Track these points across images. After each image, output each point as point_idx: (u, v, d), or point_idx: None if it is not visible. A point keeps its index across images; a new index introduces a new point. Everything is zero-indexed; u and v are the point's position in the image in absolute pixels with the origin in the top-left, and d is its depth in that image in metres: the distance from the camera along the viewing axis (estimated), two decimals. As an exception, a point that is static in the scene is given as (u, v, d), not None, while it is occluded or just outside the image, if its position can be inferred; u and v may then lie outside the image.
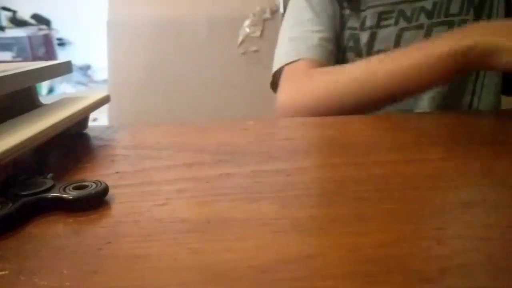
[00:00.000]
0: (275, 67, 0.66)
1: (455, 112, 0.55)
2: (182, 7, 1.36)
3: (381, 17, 0.65)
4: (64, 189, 0.27)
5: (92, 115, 0.43)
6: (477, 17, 0.63)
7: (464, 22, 0.62)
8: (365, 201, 0.26)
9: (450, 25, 0.63)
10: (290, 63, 0.63)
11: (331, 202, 0.27)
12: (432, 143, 0.38)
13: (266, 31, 1.30)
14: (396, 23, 0.64)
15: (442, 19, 0.63)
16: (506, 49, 0.43)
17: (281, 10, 1.28)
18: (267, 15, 1.30)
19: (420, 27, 0.63)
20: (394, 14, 0.64)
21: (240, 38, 1.31)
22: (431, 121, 0.46)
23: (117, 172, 0.32)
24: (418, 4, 0.63)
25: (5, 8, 3.64)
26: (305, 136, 0.43)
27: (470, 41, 0.45)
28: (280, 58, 0.66)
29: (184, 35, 1.35)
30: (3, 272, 0.20)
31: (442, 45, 0.47)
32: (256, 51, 1.30)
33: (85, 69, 3.77)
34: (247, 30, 1.31)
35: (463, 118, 0.47)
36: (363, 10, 0.65)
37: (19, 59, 3.44)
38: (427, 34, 0.63)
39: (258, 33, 1.30)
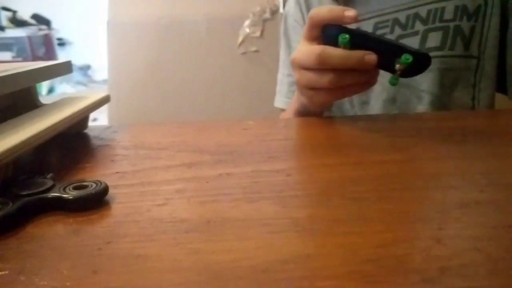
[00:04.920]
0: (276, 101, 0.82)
1: (454, 112, 0.55)
2: (182, 7, 1.36)
3: (376, 26, 0.67)
4: (64, 189, 0.27)
5: (92, 115, 0.43)
6: (470, 22, 0.64)
7: (457, 27, 0.64)
8: (365, 201, 0.26)
9: (445, 30, 0.64)
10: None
11: (330, 202, 0.27)
12: (431, 143, 0.38)
13: (266, 31, 1.30)
14: (392, 31, 0.66)
15: (437, 25, 0.64)
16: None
17: (281, 10, 1.28)
18: (267, 15, 1.30)
19: (416, 33, 0.65)
20: (389, 23, 0.66)
21: (240, 38, 1.31)
22: (430, 121, 0.46)
23: (117, 172, 0.32)
24: (412, 11, 0.65)
25: (5, 8, 3.64)
26: (305, 136, 0.43)
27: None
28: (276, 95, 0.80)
29: (184, 35, 1.35)
30: (3, 272, 0.20)
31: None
32: (256, 51, 1.30)
33: (85, 69, 3.77)
34: (247, 30, 1.31)
35: (462, 118, 0.47)
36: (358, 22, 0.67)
37: (19, 59, 3.44)
38: (423, 40, 0.64)
39: (258, 33, 1.30)
